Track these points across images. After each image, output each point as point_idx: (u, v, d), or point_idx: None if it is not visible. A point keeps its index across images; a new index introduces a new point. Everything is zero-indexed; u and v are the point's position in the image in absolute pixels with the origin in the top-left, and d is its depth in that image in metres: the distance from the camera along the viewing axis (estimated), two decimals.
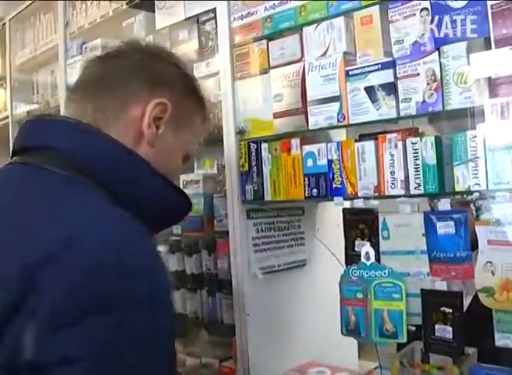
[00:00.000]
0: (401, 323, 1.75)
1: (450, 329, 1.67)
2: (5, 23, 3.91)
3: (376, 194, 1.78)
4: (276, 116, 2.06)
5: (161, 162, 1.27)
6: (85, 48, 3.00)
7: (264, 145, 2.10)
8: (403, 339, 1.76)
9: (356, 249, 1.86)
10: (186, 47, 2.42)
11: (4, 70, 4.00)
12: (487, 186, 1.55)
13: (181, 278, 2.51)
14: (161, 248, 2.60)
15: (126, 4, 2.68)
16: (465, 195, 1.64)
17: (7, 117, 3.95)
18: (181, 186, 2.43)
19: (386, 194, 1.75)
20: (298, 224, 2.39)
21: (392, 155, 1.74)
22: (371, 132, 1.85)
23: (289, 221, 2.35)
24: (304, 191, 1.96)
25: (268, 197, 2.09)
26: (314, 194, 1.93)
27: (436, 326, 1.70)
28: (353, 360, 2.48)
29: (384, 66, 1.74)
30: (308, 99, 1.94)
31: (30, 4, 3.58)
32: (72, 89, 1.35)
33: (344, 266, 1.89)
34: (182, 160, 1.40)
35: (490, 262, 1.59)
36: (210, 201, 2.35)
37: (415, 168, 1.68)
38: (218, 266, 2.32)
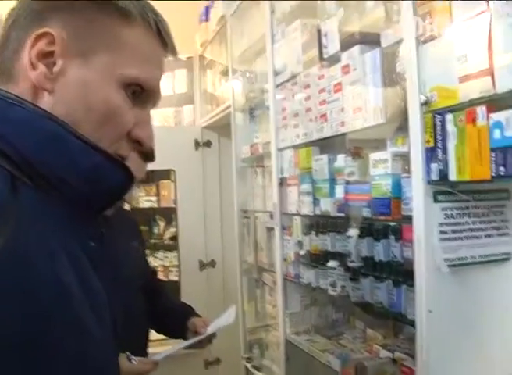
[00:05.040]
0: None
1: None
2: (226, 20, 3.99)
3: None
4: (461, 80, 1.65)
5: (78, 107, 0.93)
6: (286, 31, 2.84)
7: (449, 116, 1.70)
8: None
9: None
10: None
11: (227, 62, 4.04)
12: None
13: (370, 265, 2.19)
14: (352, 232, 2.32)
15: None
16: None
17: (229, 107, 4.01)
18: (370, 165, 2.12)
19: None
20: (501, 210, 1.93)
21: None
22: None
23: (490, 206, 1.89)
24: (491, 169, 1.54)
25: (452, 177, 1.69)
26: (502, 173, 1.50)
27: None
28: None
29: None
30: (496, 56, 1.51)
31: None
32: None
33: None
34: (130, 93, 0.99)
35: None
36: (398, 182, 1.99)
37: None
38: (403, 254, 1.96)
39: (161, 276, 4.87)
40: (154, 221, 5.58)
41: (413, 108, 1.84)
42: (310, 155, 2.65)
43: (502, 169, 1.50)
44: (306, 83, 2.68)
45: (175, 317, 2.73)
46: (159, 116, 5.06)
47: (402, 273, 1.98)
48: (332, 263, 2.53)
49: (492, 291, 1.87)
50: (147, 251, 5.22)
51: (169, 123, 5.17)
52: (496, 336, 1.87)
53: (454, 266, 1.80)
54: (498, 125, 1.52)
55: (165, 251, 5.31)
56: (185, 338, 2.57)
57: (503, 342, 1.87)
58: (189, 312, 2.75)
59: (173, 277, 5.01)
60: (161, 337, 2.89)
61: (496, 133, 1.52)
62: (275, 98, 3.07)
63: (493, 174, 1.53)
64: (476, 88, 1.60)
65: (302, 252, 2.85)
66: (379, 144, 2.18)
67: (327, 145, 2.57)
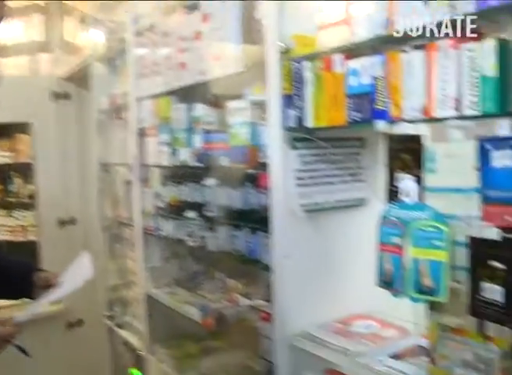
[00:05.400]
0: (442, 279, 1.32)
1: (501, 290, 1.23)
2: None
3: (423, 116, 1.34)
4: (320, 29, 1.65)
5: None
6: None
7: (307, 64, 1.70)
8: (443, 298, 1.33)
9: (396, 184, 1.45)
10: None
11: (87, 10, 3.82)
12: None
13: (227, 213, 2.18)
14: (210, 182, 2.30)
15: None
16: None
17: (88, 56, 3.82)
18: (229, 114, 2.09)
19: (435, 116, 1.32)
20: (356, 158, 1.98)
21: (443, 68, 1.29)
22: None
23: (346, 154, 1.94)
24: (347, 116, 1.56)
25: (309, 123, 1.70)
26: (357, 119, 1.52)
27: (484, 285, 1.26)
28: (419, 315, 2.08)
29: None
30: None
31: None
32: None
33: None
34: None
35: None
36: (256, 130, 1.98)
37: (471, 82, 1.24)
38: (260, 201, 1.96)
39: (19, 236, 4.63)
40: (9, 178, 5.23)
41: (271, 56, 1.83)
42: (169, 104, 2.58)
43: (357, 115, 1.52)
44: (165, 32, 2.59)
45: (12, 275, 2.46)
46: (12, 65, 4.71)
47: (259, 221, 1.98)
48: (190, 214, 2.49)
49: (346, 235, 1.93)
50: (3, 211, 4.97)
51: (24, 73, 4.83)
52: (351, 277, 1.94)
53: (310, 211, 1.82)
54: (354, 72, 1.53)
55: (23, 210, 4.99)
56: (32, 297, 2.38)
57: (357, 283, 1.94)
58: (30, 267, 2.50)
59: (32, 237, 4.75)
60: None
61: (352, 81, 1.54)
62: (135, 46, 2.95)
63: (349, 120, 1.55)
64: (334, 37, 1.60)
65: (161, 204, 2.79)
66: (238, 93, 2.15)
67: (187, 95, 2.50)
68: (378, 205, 1.90)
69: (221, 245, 2.26)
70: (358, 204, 1.97)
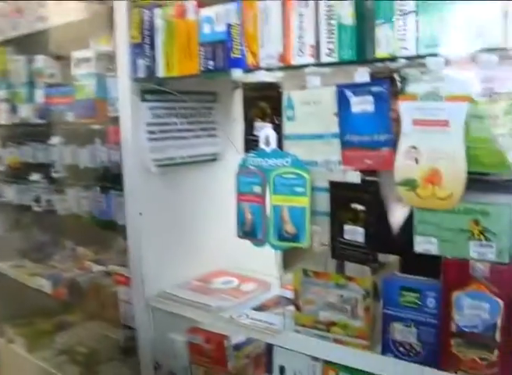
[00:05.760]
0: (304, 224, 1.32)
1: (362, 230, 1.25)
2: None
3: (281, 64, 1.31)
4: None
5: None
6: None
7: (157, 11, 1.60)
8: (306, 243, 1.33)
9: (255, 133, 1.41)
10: None
11: None
12: (417, 50, 1.11)
13: (75, 174, 2.05)
14: (54, 140, 2.14)
15: None
16: (388, 62, 1.18)
17: None
18: (73, 65, 1.94)
19: (292, 63, 1.29)
20: (209, 112, 1.92)
21: (301, 15, 1.26)
22: None
23: (198, 108, 1.87)
24: (200, 64, 1.49)
25: (160, 73, 1.61)
26: (211, 67, 1.46)
27: (346, 227, 1.28)
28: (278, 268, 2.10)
29: None
30: None
31: None
32: None
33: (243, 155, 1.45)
34: None
35: (414, 148, 1.16)
36: (103, 82, 1.86)
37: (328, 30, 1.22)
38: (110, 157, 1.86)
39: None
40: None
41: (119, 2, 1.71)
42: (4, 55, 2.36)
43: (211, 63, 1.46)
44: None
45: None
46: None
47: (110, 179, 1.88)
48: (34, 176, 2.32)
49: (201, 190, 1.88)
50: None
51: None
52: (206, 232, 1.90)
53: (164, 166, 1.75)
54: (208, 20, 1.46)
55: None
56: None
57: (213, 237, 1.91)
58: None
59: None
60: None
61: (206, 28, 1.47)
62: None
63: (202, 68, 1.48)
64: None
65: (1, 168, 2.58)
66: (83, 43, 2.01)
67: (26, 45, 2.30)
68: (235, 159, 1.88)
69: (70, 208, 2.12)
70: (212, 159, 1.92)
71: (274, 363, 1.53)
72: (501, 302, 1.12)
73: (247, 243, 1.57)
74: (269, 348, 1.76)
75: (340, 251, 1.29)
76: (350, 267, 1.40)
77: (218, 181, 1.90)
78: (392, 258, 1.40)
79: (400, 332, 1.25)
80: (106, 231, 2.25)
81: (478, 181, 1.11)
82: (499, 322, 1.13)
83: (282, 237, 1.35)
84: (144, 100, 1.71)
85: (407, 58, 1.14)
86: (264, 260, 2.01)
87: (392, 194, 1.31)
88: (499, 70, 1.08)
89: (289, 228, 1.33)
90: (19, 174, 2.45)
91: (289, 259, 1.83)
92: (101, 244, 2.44)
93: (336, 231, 1.29)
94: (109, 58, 1.85)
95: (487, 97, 1.09)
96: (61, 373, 2.33)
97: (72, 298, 2.24)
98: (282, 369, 1.50)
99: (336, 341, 1.35)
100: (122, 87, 1.70)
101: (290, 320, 1.45)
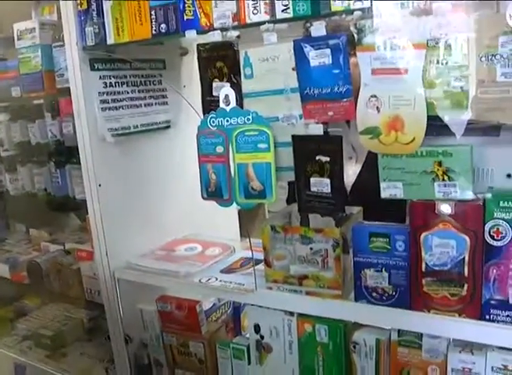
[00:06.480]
0: (270, 179, 1.32)
1: (328, 181, 1.26)
2: None
3: (235, 23, 1.29)
4: None
5: None
6: None
7: None
8: (272, 198, 1.33)
9: (214, 94, 1.40)
10: None
11: None
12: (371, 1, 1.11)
13: (27, 150, 1.99)
14: (0, 117, 2.07)
15: None
16: (344, 15, 1.18)
17: None
18: (15, 38, 1.87)
19: (248, 22, 1.27)
20: (159, 80, 1.89)
21: None
22: None
23: (147, 75, 1.83)
24: (151, 28, 1.46)
25: (110, 40, 1.56)
26: (163, 31, 1.43)
27: (312, 180, 1.28)
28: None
29: None
30: None
31: None
32: None
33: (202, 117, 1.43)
34: None
35: (375, 96, 1.17)
36: (49, 53, 1.79)
37: None
38: (63, 131, 1.81)
39: None
40: None
41: None
42: None
43: (163, 26, 1.43)
44: None
45: None
46: None
47: (64, 152, 1.83)
48: None
49: (156, 158, 1.85)
50: None
51: None
52: (164, 200, 1.88)
53: (118, 135, 1.71)
54: None
55: None
56: None
57: (171, 206, 1.90)
58: None
59: None
60: None
61: None
62: None
63: (154, 32, 1.45)
64: None
65: None
66: (25, 15, 1.94)
67: None
68: (190, 125, 1.87)
69: (23, 187, 2.06)
70: (166, 126, 1.90)
71: (249, 322, 1.54)
72: (467, 238, 1.16)
73: (207, 209, 1.57)
74: (237, 309, 1.78)
75: (307, 204, 1.30)
76: (314, 223, 1.41)
77: (174, 148, 1.89)
78: (356, 210, 1.42)
79: (372, 278, 1.27)
80: (59, 212, 2.21)
81: (438, 125, 1.14)
82: (466, 257, 1.17)
83: (248, 195, 1.35)
84: (93, 69, 1.67)
85: (362, 10, 1.14)
86: (226, 225, 2.03)
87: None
88: (451, 17, 1.10)
89: (256, 185, 1.32)
90: None
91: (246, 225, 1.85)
92: (54, 225, 2.40)
93: (302, 185, 1.30)
94: (54, 28, 1.79)
95: (442, 43, 1.11)
96: (26, 357, 2.29)
97: (33, 280, 2.19)
98: (257, 328, 1.51)
99: (309, 293, 1.36)
100: (71, 57, 1.65)
101: (261, 279, 1.46)
